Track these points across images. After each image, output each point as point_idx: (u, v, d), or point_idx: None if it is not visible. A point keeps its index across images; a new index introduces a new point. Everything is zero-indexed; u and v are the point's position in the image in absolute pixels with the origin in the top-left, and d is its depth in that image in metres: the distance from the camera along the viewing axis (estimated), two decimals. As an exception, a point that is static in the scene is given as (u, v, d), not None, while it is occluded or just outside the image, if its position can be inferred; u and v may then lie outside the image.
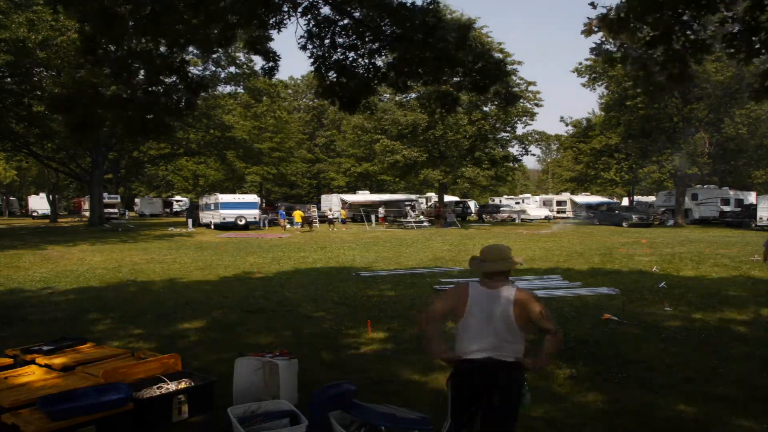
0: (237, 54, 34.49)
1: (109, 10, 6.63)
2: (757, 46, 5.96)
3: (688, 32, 6.08)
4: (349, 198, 44.62)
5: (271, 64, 8.24)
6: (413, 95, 31.25)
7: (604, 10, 5.96)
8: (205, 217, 35.11)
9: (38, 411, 3.91)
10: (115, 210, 45.56)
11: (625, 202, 51.29)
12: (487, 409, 3.22)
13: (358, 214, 42.23)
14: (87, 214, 40.37)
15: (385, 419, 3.94)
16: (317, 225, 36.11)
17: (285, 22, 7.63)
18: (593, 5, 6.03)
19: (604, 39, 6.35)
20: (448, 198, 44.22)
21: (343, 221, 40.95)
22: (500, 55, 33.35)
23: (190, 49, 9.39)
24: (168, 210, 58.82)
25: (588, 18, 6.13)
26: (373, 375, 5.69)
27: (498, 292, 3.25)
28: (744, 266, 14.23)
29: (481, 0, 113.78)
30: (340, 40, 8.01)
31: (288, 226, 34.32)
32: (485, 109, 36.46)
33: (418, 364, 6.00)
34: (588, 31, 6.14)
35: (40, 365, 5.03)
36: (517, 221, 41.73)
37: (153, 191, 69.48)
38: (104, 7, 6.61)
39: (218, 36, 7.43)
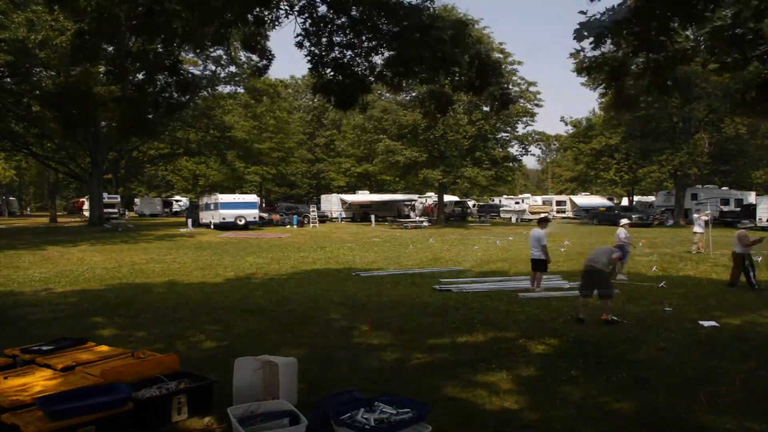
0: (238, 54, 34.44)
1: (104, 9, 6.60)
2: (736, 56, 5.97)
3: (671, 42, 6.11)
4: (349, 198, 44.58)
5: (264, 62, 8.23)
6: (414, 94, 31.26)
7: (598, 15, 6.00)
8: (205, 217, 35.07)
9: (38, 411, 3.91)
10: (115, 210, 45.48)
11: (625, 202, 51.27)
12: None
13: (359, 213, 42.26)
14: (87, 213, 40.31)
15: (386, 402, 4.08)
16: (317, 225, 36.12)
17: (281, 20, 7.63)
18: (584, 12, 6.06)
19: (590, 46, 6.37)
20: (448, 198, 44.19)
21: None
22: (500, 55, 33.38)
23: (187, 48, 9.37)
24: (168, 210, 58.75)
25: (579, 24, 6.17)
26: (372, 375, 5.69)
27: None
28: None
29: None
30: (337, 38, 8.00)
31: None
32: (485, 109, 36.47)
33: (418, 363, 6.00)
34: (579, 38, 6.18)
35: (40, 365, 5.03)
36: (514, 221, 41.45)
37: (153, 191, 69.40)
38: (99, 6, 6.58)
39: (214, 34, 7.41)
